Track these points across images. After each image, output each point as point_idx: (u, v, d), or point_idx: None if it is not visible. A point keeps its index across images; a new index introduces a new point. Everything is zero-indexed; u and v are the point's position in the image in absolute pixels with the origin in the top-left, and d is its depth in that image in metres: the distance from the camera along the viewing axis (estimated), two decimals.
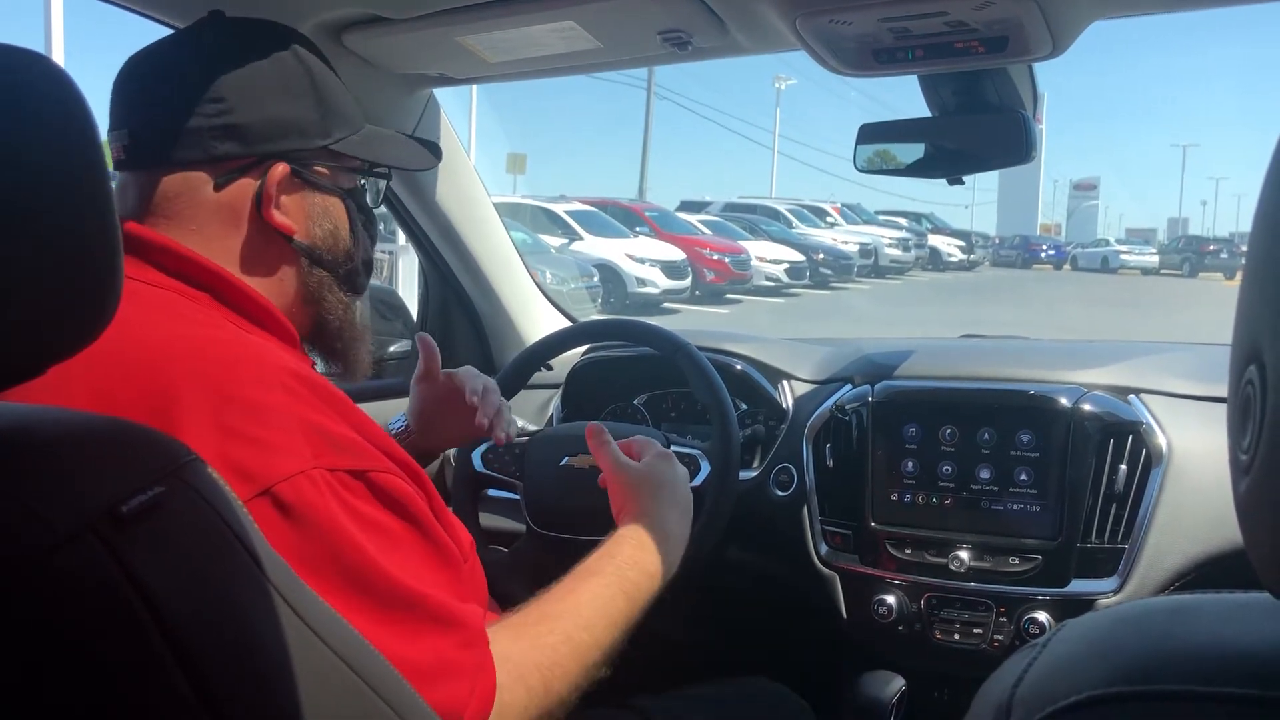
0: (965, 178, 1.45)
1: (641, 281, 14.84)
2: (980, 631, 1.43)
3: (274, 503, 0.74)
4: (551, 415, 1.82)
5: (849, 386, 1.60)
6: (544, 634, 0.92)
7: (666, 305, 14.83)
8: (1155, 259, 34.03)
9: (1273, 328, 0.39)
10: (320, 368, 1.03)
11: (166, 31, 1.36)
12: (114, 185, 0.96)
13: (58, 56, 9.18)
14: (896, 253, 24.92)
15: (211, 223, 0.92)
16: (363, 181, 1.03)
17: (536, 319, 2.00)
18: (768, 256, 18.24)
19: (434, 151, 1.12)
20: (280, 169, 0.93)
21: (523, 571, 1.45)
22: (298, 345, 0.99)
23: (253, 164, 0.93)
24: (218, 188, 0.92)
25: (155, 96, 0.93)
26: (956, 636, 1.44)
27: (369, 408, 1.72)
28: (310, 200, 0.97)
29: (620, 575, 1.03)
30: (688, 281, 15.55)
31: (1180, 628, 0.43)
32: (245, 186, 0.93)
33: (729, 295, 16.77)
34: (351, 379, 1.06)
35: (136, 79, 0.95)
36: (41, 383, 0.56)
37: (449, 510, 0.97)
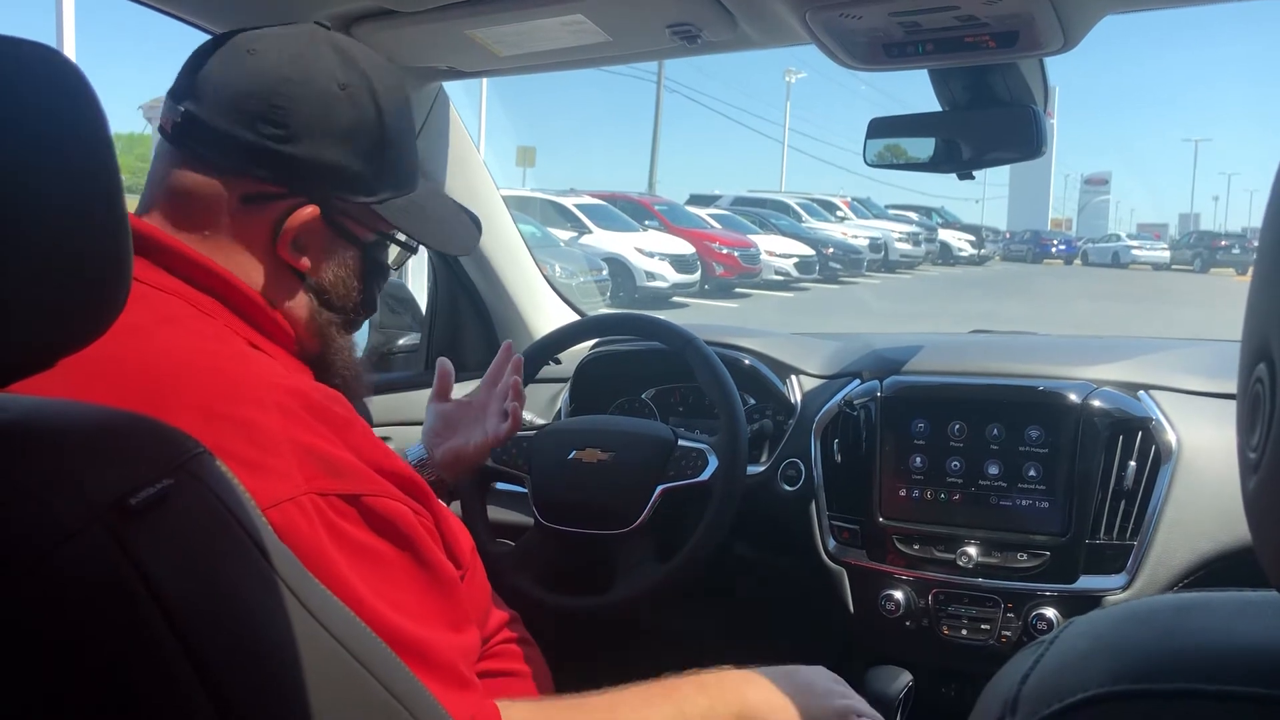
0: (976, 173, 1.44)
1: (650, 275, 14.82)
2: (988, 627, 1.42)
3: None
4: (560, 409, 1.82)
5: (857, 381, 1.60)
6: None
7: (675, 299, 14.83)
8: (1166, 254, 33.87)
9: None
10: None
11: (180, 25, 1.36)
12: (154, 148, 0.95)
13: (69, 49, 9.21)
14: (906, 247, 24.85)
15: (225, 236, 0.90)
16: (389, 241, 1.01)
17: (545, 312, 2.00)
18: (777, 251, 18.21)
19: (474, 232, 1.09)
20: (309, 211, 0.91)
21: (529, 565, 1.45)
22: (303, 357, 0.97)
23: (285, 195, 0.91)
24: (244, 204, 0.90)
25: (226, 90, 0.89)
26: (964, 632, 1.44)
27: (376, 401, 1.74)
28: (332, 245, 0.95)
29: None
30: (697, 275, 15.53)
31: (1187, 625, 0.43)
32: (269, 214, 0.91)
33: (738, 289, 16.75)
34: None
35: (220, 60, 0.91)
36: (38, 385, 0.56)
37: (453, 517, 0.96)
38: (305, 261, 0.93)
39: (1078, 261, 34.90)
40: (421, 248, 1.13)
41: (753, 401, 1.70)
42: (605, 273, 13.84)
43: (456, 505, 1.49)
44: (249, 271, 0.91)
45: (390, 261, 1.04)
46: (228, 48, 0.92)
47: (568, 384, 1.83)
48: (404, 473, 0.87)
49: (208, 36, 0.97)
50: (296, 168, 0.90)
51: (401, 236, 1.01)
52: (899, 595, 1.47)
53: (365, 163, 0.93)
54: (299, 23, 0.96)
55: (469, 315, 1.98)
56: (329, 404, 0.84)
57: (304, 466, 0.77)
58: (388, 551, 0.81)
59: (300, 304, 0.95)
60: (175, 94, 0.91)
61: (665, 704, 0.95)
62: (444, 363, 1.37)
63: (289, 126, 0.88)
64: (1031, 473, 1.42)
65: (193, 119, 0.90)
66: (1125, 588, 1.36)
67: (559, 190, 17.49)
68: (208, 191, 0.90)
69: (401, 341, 2.05)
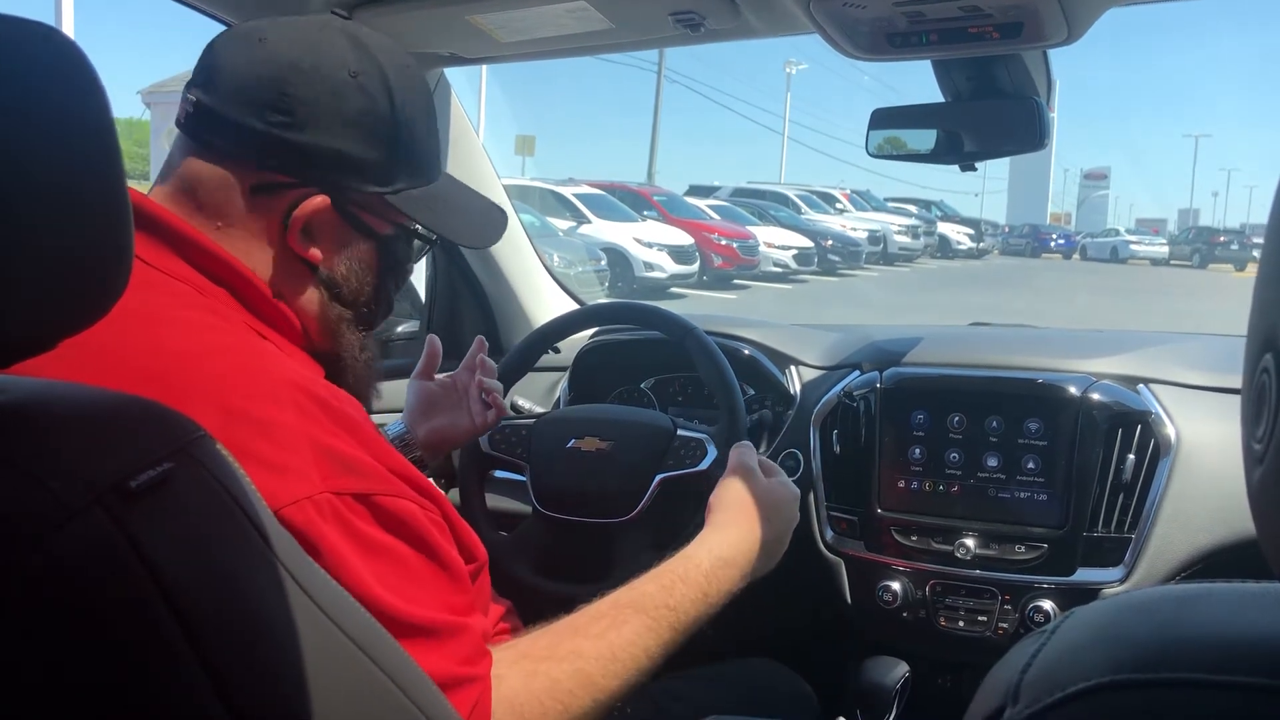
0: (976, 165, 1.44)
1: (649, 266, 14.80)
2: (985, 619, 1.43)
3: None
4: (559, 398, 1.82)
5: (857, 373, 1.60)
6: (563, 678, 0.89)
7: (673, 290, 14.80)
8: (1165, 250, 33.88)
9: None
10: None
11: (181, 10, 1.35)
12: (172, 138, 0.94)
13: (67, 28, 9.16)
14: (905, 240, 24.85)
15: (238, 225, 0.90)
16: (406, 234, 0.99)
17: (544, 301, 2.00)
18: (776, 242, 18.18)
19: (498, 224, 1.08)
20: (319, 200, 0.90)
21: (527, 553, 1.45)
22: (313, 353, 0.97)
23: (295, 185, 0.90)
24: (253, 194, 0.89)
25: (235, 78, 0.89)
26: (961, 624, 1.44)
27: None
28: (345, 237, 0.94)
29: (674, 616, 1.01)
30: (695, 266, 15.51)
31: (1190, 615, 0.43)
32: (280, 203, 0.90)
33: (736, 281, 16.74)
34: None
35: (231, 48, 0.90)
36: (41, 368, 0.56)
37: (466, 525, 0.96)
38: (316, 253, 0.93)
39: (1076, 256, 34.90)
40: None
41: (752, 392, 1.69)
42: (604, 263, 13.82)
43: (455, 493, 1.49)
44: (259, 262, 0.91)
45: (410, 257, 1.02)
46: (240, 36, 0.91)
47: (567, 373, 1.83)
48: (414, 475, 0.87)
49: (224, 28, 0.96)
50: (306, 156, 0.89)
51: (420, 229, 0.99)
52: (896, 586, 1.47)
53: (377, 151, 0.91)
54: (309, 8, 0.95)
55: (469, 303, 1.98)
56: (340, 404, 0.84)
57: (320, 465, 0.77)
58: (399, 547, 0.81)
59: (311, 297, 0.94)
60: (190, 83, 0.91)
61: (636, 618, 0.98)
62: (433, 340, 1.38)
63: (296, 114, 0.87)
64: (1030, 465, 1.42)
65: (203, 108, 0.89)
66: (1123, 580, 1.36)
67: (558, 180, 17.45)
68: (219, 181, 0.89)
69: (400, 329, 2.05)
